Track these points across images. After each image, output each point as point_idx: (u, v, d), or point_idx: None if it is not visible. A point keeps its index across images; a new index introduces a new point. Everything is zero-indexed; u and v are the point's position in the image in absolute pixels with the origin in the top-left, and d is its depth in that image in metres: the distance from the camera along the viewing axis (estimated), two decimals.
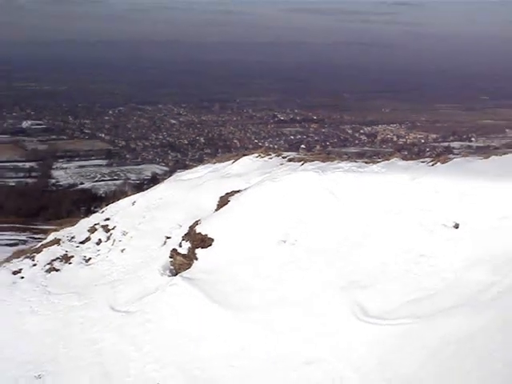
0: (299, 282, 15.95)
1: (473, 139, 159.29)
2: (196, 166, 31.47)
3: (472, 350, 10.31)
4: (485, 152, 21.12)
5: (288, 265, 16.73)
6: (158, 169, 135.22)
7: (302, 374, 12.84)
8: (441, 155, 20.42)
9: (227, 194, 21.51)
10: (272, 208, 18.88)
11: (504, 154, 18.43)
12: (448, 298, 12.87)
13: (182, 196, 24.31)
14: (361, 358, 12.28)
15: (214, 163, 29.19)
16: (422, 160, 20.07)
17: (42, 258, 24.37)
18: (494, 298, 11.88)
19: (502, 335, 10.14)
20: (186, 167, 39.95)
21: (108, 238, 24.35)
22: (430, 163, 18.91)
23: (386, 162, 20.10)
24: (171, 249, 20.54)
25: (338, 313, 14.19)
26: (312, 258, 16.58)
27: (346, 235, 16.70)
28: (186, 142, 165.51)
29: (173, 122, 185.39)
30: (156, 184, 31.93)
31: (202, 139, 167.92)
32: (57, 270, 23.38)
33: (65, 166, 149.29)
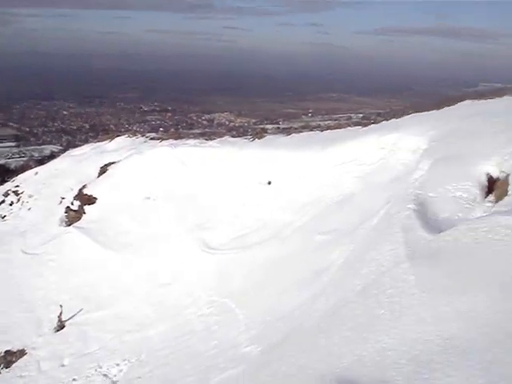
0: (161, 226, 16.06)
1: (280, 123, 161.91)
2: (82, 145, 30.66)
3: (277, 269, 10.75)
4: (287, 131, 21.75)
5: (152, 214, 16.85)
6: (54, 148, 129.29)
7: (165, 291, 13.00)
8: (258, 134, 20.86)
9: (105, 164, 21.23)
10: (139, 174, 18.88)
11: (300, 132, 19.24)
12: (263, 233, 13.33)
13: (73, 167, 23.77)
14: (204, 277, 12.53)
15: (96, 142, 28.63)
16: (245, 137, 20.52)
17: None
18: (294, 231, 12.42)
19: (300, 258, 10.59)
20: (75, 146, 38.60)
21: (18, 200, 23.49)
22: (251, 139, 19.38)
23: (220, 139, 20.41)
24: (66, 206, 20.14)
25: (189, 246, 14.41)
26: (168, 209, 16.74)
27: (192, 192, 16.91)
28: (75, 128, 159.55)
29: (65, 113, 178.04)
30: (53, 159, 30.72)
31: (86, 125, 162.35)
32: None
33: None
